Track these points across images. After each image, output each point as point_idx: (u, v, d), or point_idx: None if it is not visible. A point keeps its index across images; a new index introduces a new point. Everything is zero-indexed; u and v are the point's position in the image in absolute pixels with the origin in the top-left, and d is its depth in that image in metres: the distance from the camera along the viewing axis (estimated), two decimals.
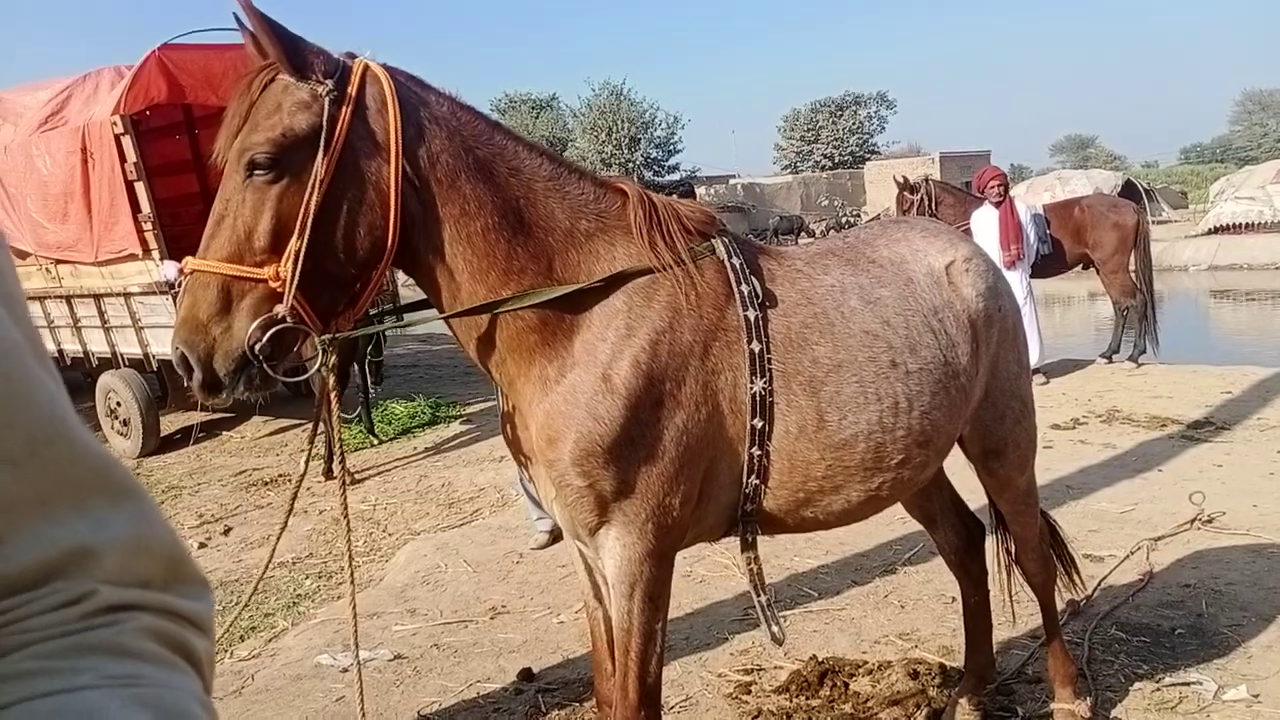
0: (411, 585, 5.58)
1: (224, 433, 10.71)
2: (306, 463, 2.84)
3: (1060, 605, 3.81)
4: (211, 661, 0.72)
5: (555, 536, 5.86)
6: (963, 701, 3.57)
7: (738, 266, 2.57)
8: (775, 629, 2.74)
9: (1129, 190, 30.92)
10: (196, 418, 10.76)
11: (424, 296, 2.62)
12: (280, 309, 2.17)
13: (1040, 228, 10.50)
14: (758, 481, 2.60)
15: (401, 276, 2.86)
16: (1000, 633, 3.91)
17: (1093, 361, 10.76)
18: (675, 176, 54.94)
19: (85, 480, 0.65)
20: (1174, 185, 48.33)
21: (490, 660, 4.51)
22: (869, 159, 62.87)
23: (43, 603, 0.62)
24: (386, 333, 10.75)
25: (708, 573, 5.26)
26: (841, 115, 71.88)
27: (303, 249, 2.15)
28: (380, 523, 7.06)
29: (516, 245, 2.38)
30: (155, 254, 8.82)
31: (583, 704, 3.97)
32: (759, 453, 2.57)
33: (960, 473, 3.55)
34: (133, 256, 9.00)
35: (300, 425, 10.47)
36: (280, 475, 8.66)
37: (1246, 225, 26.83)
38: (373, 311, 2.79)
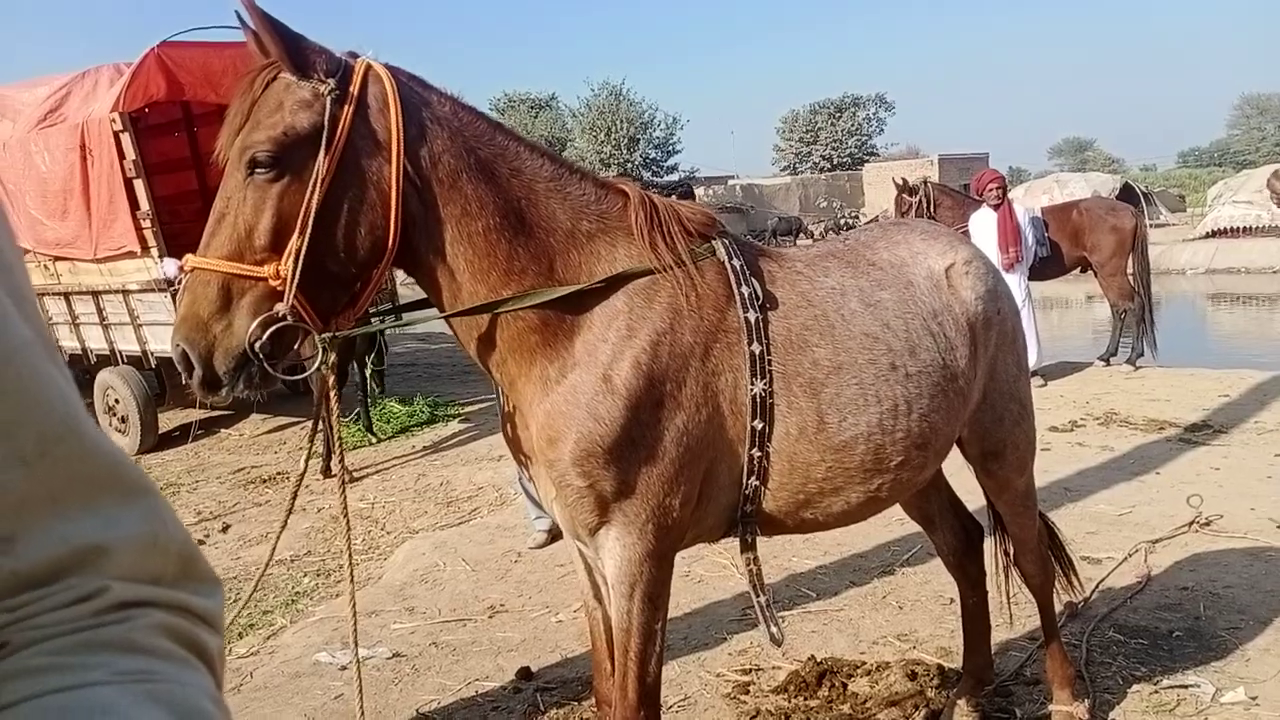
0: (410, 584, 5.59)
1: (222, 430, 10.71)
2: (306, 460, 2.84)
3: (1058, 607, 3.81)
4: (223, 657, 0.73)
5: (554, 536, 5.86)
6: (961, 703, 3.57)
7: (738, 268, 2.58)
8: (774, 630, 2.74)
9: (1127, 193, 30.95)
10: (195, 415, 10.75)
11: (423, 296, 2.62)
12: (281, 307, 2.17)
13: (1038, 230, 10.52)
14: (757, 483, 2.61)
15: (400, 276, 2.86)
16: (998, 634, 3.92)
17: (1090, 364, 10.78)
18: (674, 177, 54.96)
19: (97, 478, 0.65)
20: (1172, 189, 48.39)
21: (489, 659, 4.52)
22: (867, 161, 62.96)
23: (55, 599, 0.62)
24: (386, 336, 10.73)
25: (706, 573, 5.27)
26: (840, 117, 71.97)
27: (304, 247, 2.15)
28: (379, 521, 7.06)
29: (518, 245, 2.38)
30: (154, 251, 8.81)
31: (581, 703, 3.98)
32: (759, 454, 2.57)
33: (959, 474, 3.56)
34: (131, 254, 8.99)
35: (298, 423, 10.47)
36: (278, 473, 8.66)
37: (1244, 229, 26.86)
38: (372, 311, 2.80)
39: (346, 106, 2.20)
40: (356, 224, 2.23)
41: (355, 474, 8.31)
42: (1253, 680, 3.78)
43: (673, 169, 61.26)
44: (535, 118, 64.21)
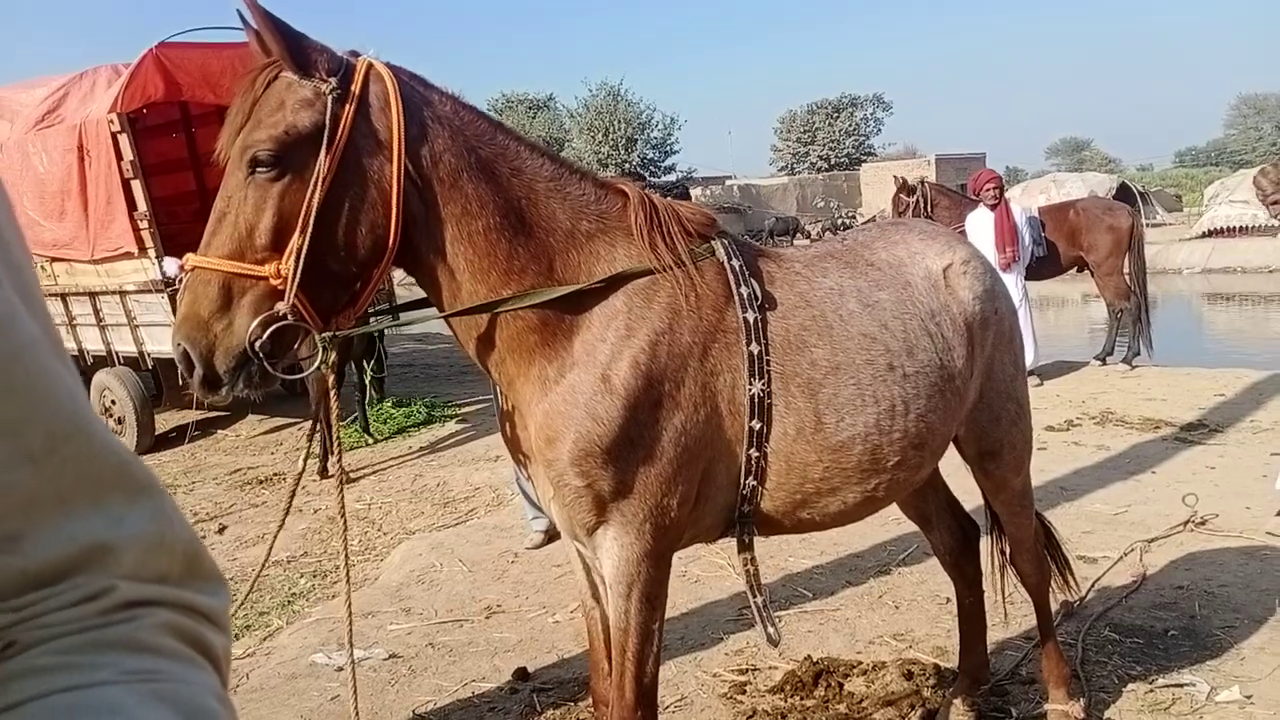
0: (406, 584, 5.59)
1: (219, 431, 10.71)
2: (305, 460, 2.84)
3: (1054, 606, 3.82)
4: (228, 656, 0.73)
5: (550, 536, 5.87)
6: (957, 702, 3.58)
7: (737, 268, 2.58)
8: (771, 630, 2.75)
9: (1124, 193, 30.97)
10: (191, 416, 10.75)
11: (422, 296, 2.63)
12: (281, 306, 2.18)
13: (1035, 230, 10.53)
14: (755, 483, 2.61)
15: (398, 276, 2.87)
16: (994, 633, 3.93)
17: (1087, 364, 10.79)
18: (671, 178, 54.92)
19: (104, 476, 0.66)
20: (1169, 188, 48.41)
21: (485, 659, 4.52)
22: (865, 161, 62.93)
23: (62, 598, 0.62)
24: (385, 341, 10.73)
25: (703, 573, 5.27)
26: (838, 117, 71.99)
27: (304, 246, 2.16)
28: (375, 522, 7.07)
29: (518, 245, 2.39)
30: (151, 252, 8.81)
31: (577, 703, 3.98)
32: (756, 454, 2.58)
33: (955, 474, 3.57)
34: (129, 255, 8.99)
35: (295, 424, 10.47)
36: (275, 474, 8.67)
37: (1240, 229, 26.90)
38: (371, 311, 2.80)
39: (348, 105, 2.21)
40: (357, 223, 2.24)
41: (352, 475, 8.31)
42: (1248, 679, 3.79)
43: (670, 169, 61.24)
44: (533, 118, 64.19)
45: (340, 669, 4.44)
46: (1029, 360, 8.61)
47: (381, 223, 2.26)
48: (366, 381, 9.82)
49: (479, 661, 4.51)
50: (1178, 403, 8.59)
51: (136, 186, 8.69)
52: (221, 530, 7.15)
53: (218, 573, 0.74)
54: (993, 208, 10.06)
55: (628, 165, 55.18)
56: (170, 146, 11.72)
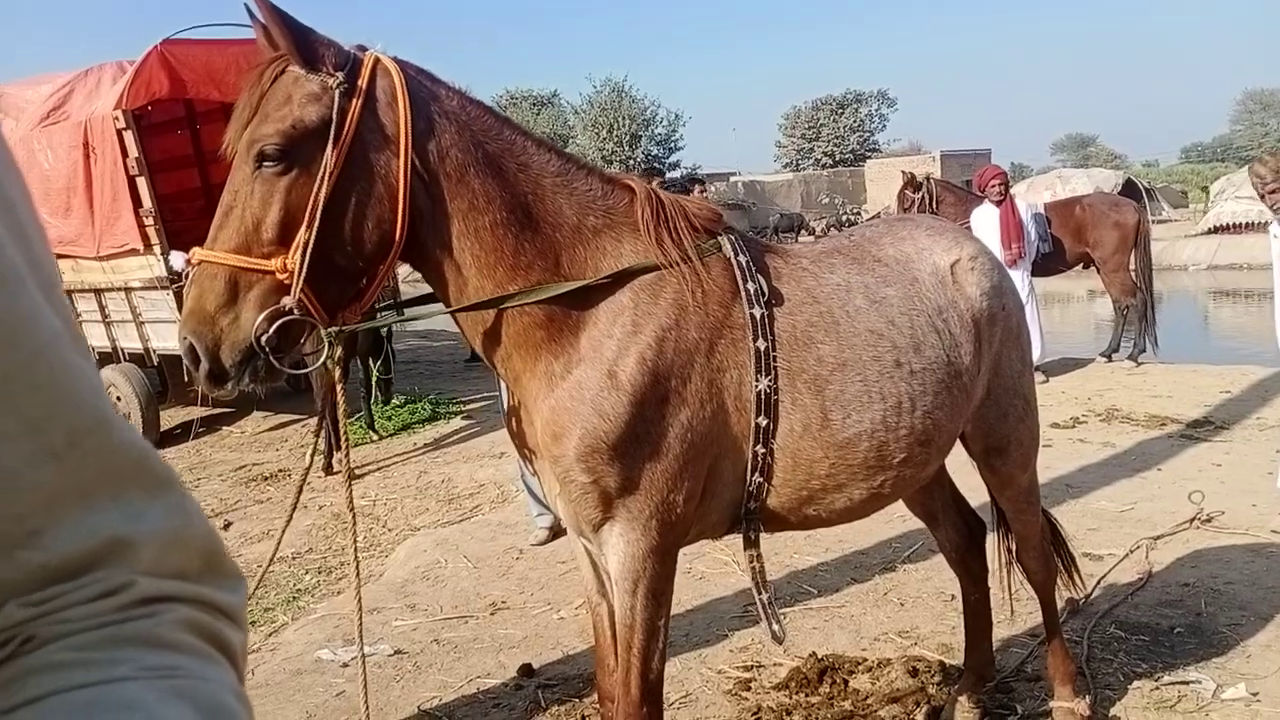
0: (412, 581, 5.60)
1: (224, 428, 10.72)
2: (312, 455, 2.85)
3: (1060, 604, 3.82)
4: (245, 653, 0.73)
5: (555, 533, 5.87)
6: (962, 699, 3.58)
7: (744, 264, 2.58)
8: (776, 627, 2.74)
9: (1129, 189, 30.90)
10: (196, 413, 10.77)
11: (427, 292, 2.62)
12: (288, 301, 2.17)
13: (1041, 226, 10.51)
14: (761, 479, 2.61)
15: (403, 273, 2.87)
16: (999, 630, 3.93)
17: (1092, 360, 10.77)
18: (676, 174, 54.75)
19: (124, 471, 0.65)
20: (1174, 184, 48.28)
21: (490, 656, 4.52)
22: (870, 157, 62.82)
23: (81, 593, 0.62)
24: (392, 341, 10.73)
25: (708, 569, 5.27)
26: (842, 113, 71.85)
27: (311, 241, 2.15)
28: (380, 518, 7.07)
29: (524, 240, 2.39)
30: (156, 249, 8.82)
31: (582, 700, 3.98)
32: (763, 450, 2.57)
33: (961, 470, 3.56)
34: (134, 251, 9.00)
35: (299, 420, 10.48)
36: (280, 470, 8.67)
37: (1246, 225, 26.81)
38: (378, 306, 2.80)
39: (355, 100, 2.20)
40: (364, 217, 2.24)
41: (357, 472, 8.31)
42: (1254, 676, 3.78)
43: (675, 166, 61.13)
44: (537, 115, 64.14)
45: (346, 665, 4.45)
46: (1035, 356, 8.58)
47: (388, 217, 2.25)
48: (373, 378, 9.82)
49: (484, 657, 4.51)
50: (1183, 400, 8.57)
51: (142, 183, 8.70)
52: (226, 527, 7.15)
53: (236, 569, 0.74)
54: (998, 204, 10.04)
55: (632, 162, 55.15)
56: (175, 143, 11.72)
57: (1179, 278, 24.36)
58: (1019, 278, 9.41)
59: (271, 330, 2.17)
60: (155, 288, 9.07)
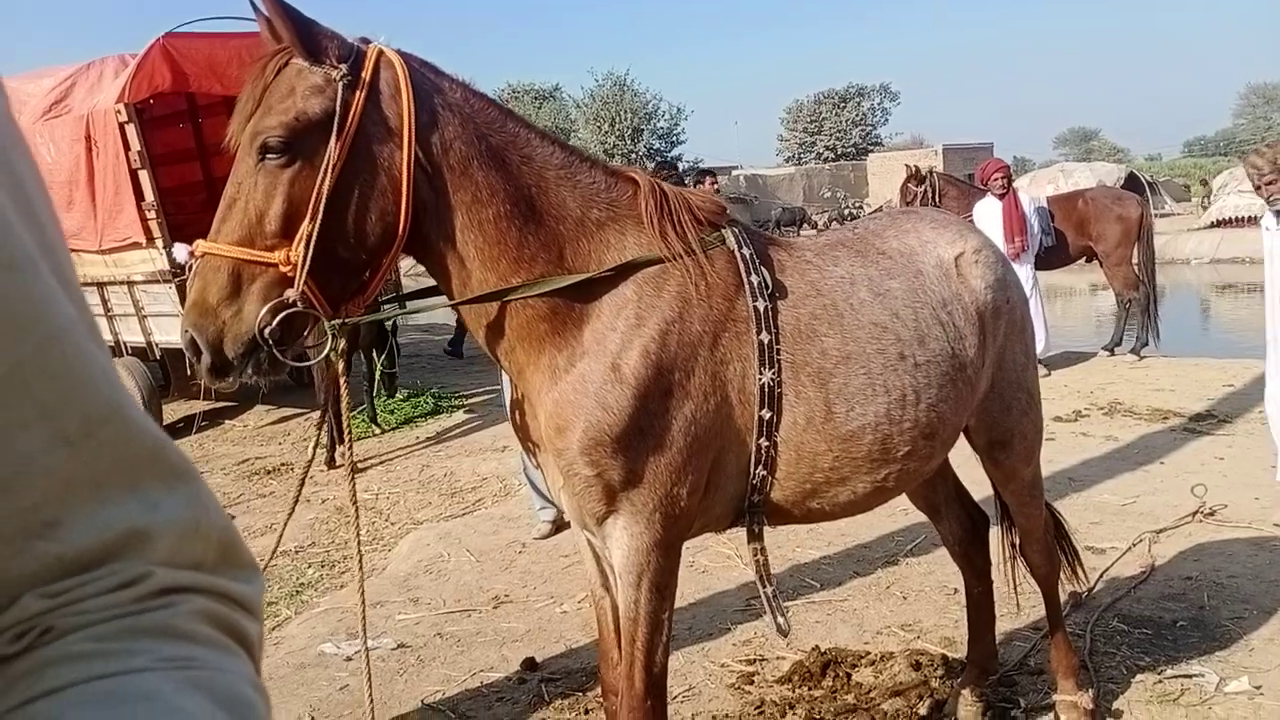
0: (414, 574, 5.60)
1: (226, 421, 10.71)
2: (314, 448, 2.85)
3: (1062, 597, 3.82)
4: (262, 644, 0.72)
5: (558, 526, 5.87)
6: (965, 693, 3.58)
7: (748, 257, 2.57)
8: (781, 620, 2.74)
9: (1132, 183, 30.88)
10: (199, 406, 10.76)
11: (431, 285, 2.62)
12: (291, 293, 2.17)
13: (1044, 220, 10.49)
14: (765, 472, 2.61)
15: (404, 267, 2.87)
16: (1002, 624, 3.93)
17: (1095, 354, 10.76)
18: (682, 168, 54.68)
19: (140, 462, 0.65)
20: (1177, 178, 48.20)
21: (493, 649, 4.53)
22: (872, 151, 62.74)
23: (98, 584, 0.62)
24: (396, 333, 10.73)
25: (710, 563, 5.27)
26: (845, 107, 71.71)
27: (314, 233, 2.15)
28: (383, 512, 7.07)
29: (528, 233, 2.38)
30: (159, 242, 8.81)
31: (585, 693, 3.99)
32: (766, 444, 2.57)
33: (964, 464, 3.56)
34: (136, 245, 8.99)
35: (302, 414, 10.48)
36: (283, 464, 8.68)
37: (1249, 219, 26.75)
38: (381, 299, 2.80)
39: (358, 92, 2.20)
40: (367, 210, 2.23)
41: (359, 465, 8.31)
42: (1257, 670, 3.78)
43: (676, 160, 61.09)
44: (539, 108, 64.02)
45: (349, 659, 4.45)
46: (1040, 350, 8.58)
47: (391, 210, 2.25)
48: (376, 372, 9.82)
49: (487, 651, 4.51)
50: (1186, 393, 8.57)
51: (144, 177, 8.69)
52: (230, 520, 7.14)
53: (251, 560, 0.74)
54: (1001, 197, 10.02)
55: (634, 156, 55.11)
56: (177, 137, 11.71)
57: (1181, 271, 24.34)
58: (1023, 271, 9.39)
59: (274, 323, 2.17)
60: (157, 281, 9.06)
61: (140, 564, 0.64)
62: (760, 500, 2.67)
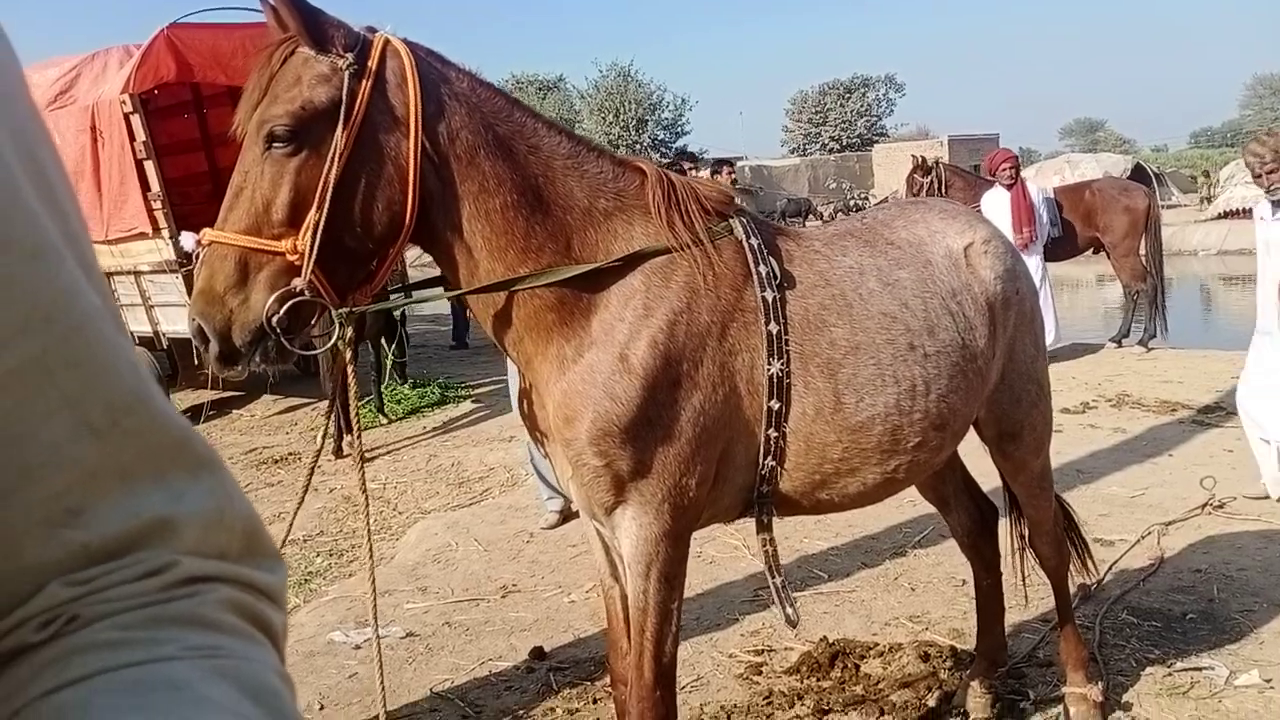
0: (423, 564, 5.61)
1: (234, 411, 10.74)
2: (323, 437, 2.85)
3: (1072, 589, 3.80)
4: (285, 633, 0.72)
5: (565, 516, 5.88)
6: (974, 684, 3.57)
7: (756, 247, 2.56)
8: (790, 611, 2.74)
9: (1139, 174, 30.74)
10: (206, 396, 10.77)
11: (438, 275, 2.61)
12: (298, 282, 2.17)
13: (1051, 211, 10.46)
14: (774, 463, 2.60)
15: (411, 257, 2.86)
16: (1011, 616, 3.91)
17: (1102, 346, 10.73)
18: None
19: (166, 450, 0.65)
20: (1184, 169, 48.00)
21: (502, 638, 4.53)
22: (877, 141, 62.57)
23: (124, 573, 0.61)
24: (406, 323, 10.73)
25: (718, 554, 5.27)
26: (850, 98, 71.56)
27: (321, 222, 2.14)
28: (391, 501, 7.09)
29: (535, 223, 2.37)
30: (165, 232, 8.81)
31: (594, 683, 3.99)
32: (775, 434, 2.56)
33: (973, 455, 3.55)
34: (142, 235, 8.99)
35: (309, 404, 10.49)
36: (290, 453, 8.69)
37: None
38: (389, 289, 2.79)
39: (364, 81, 2.19)
40: (374, 199, 2.22)
41: (367, 455, 8.32)
42: (1267, 663, 3.77)
43: (681, 150, 61.00)
44: (543, 99, 63.97)
45: (358, 647, 4.46)
46: (1049, 342, 8.55)
47: (398, 199, 2.24)
48: (385, 362, 9.82)
49: (495, 640, 4.52)
50: (1194, 385, 8.53)
51: (149, 167, 8.69)
52: None
53: (275, 549, 0.74)
54: (1009, 187, 9.99)
55: (639, 146, 55.06)
56: (182, 127, 11.71)
57: (1189, 263, 24.25)
58: (1032, 263, 9.36)
59: (282, 311, 2.16)
60: (164, 271, 9.07)
61: (166, 553, 0.63)
62: (769, 491, 2.66)
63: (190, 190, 11.11)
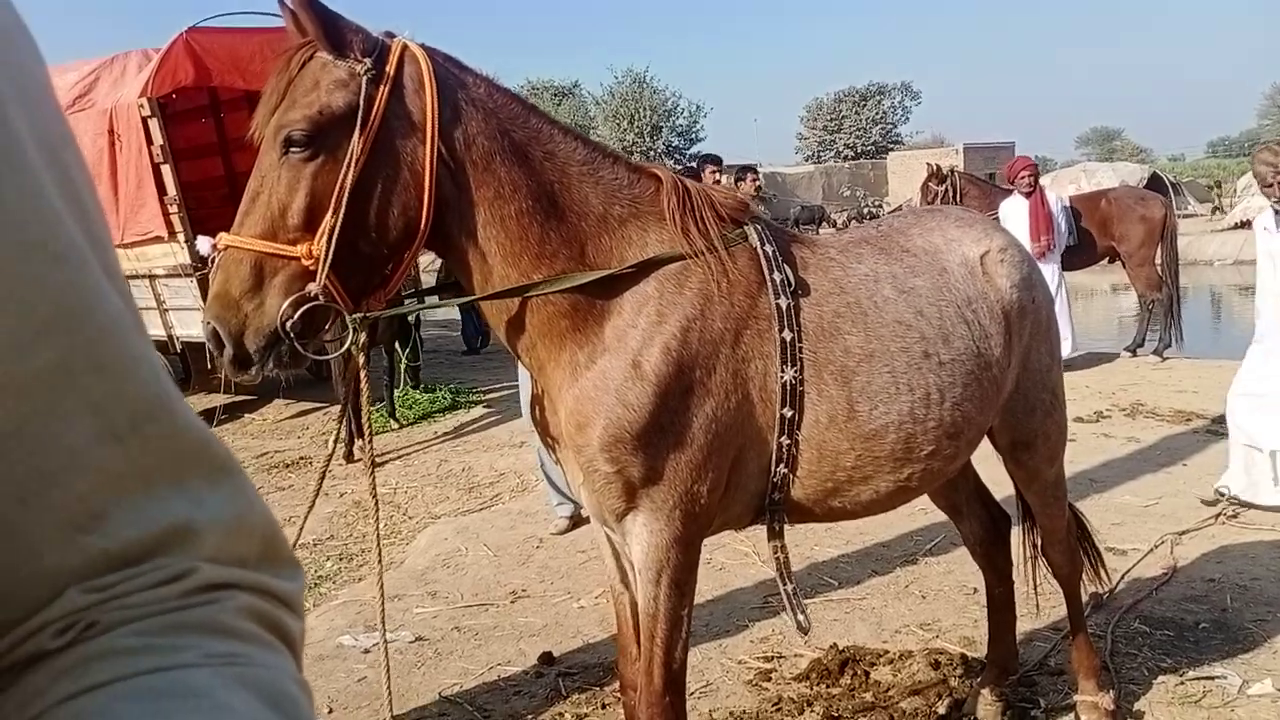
0: (432, 568, 5.62)
1: (246, 415, 10.78)
2: (335, 442, 2.86)
3: (1083, 598, 3.79)
4: (303, 640, 0.72)
5: (575, 522, 5.88)
6: (985, 692, 3.56)
7: (770, 254, 2.56)
8: (801, 617, 2.73)
9: (1155, 183, 30.60)
10: (219, 400, 10.82)
11: (451, 280, 2.62)
12: (313, 287, 2.17)
13: (1069, 219, 10.42)
14: (786, 471, 2.59)
15: (423, 262, 2.87)
16: (1022, 624, 3.90)
17: (1117, 355, 10.67)
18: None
19: (186, 457, 0.65)
20: (1201, 179, 47.75)
21: (511, 644, 4.54)
22: (892, 149, 62.47)
23: (144, 579, 0.61)
24: (420, 327, 10.76)
25: (728, 560, 5.27)
26: (865, 105, 71.46)
27: (337, 227, 2.15)
28: (401, 506, 7.10)
29: (549, 229, 2.38)
30: (181, 236, 8.87)
31: (603, 688, 3.99)
32: (788, 442, 2.56)
33: (985, 463, 3.54)
34: (158, 239, 9.05)
35: (321, 408, 10.52)
36: (301, 458, 8.72)
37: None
38: (403, 294, 2.80)
39: (382, 86, 2.20)
40: (389, 204, 2.23)
41: (378, 460, 8.34)
42: None
43: (695, 157, 60.98)
44: (558, 105, 64.08)
45: (367, 651, 4.47)
46: (1066, 352, 8.52)
47: (414, 205, 2.25)
48: (399, 367, 9.84)
49: (504, 645, 4.52)
50: (1209, 395, 8.47)
51: (166, 171, 8.74)
52: None
53: (293, 557, 0.73)
54: (1028, 195, 9.95)
55: (653, 152, 55.10)
56: (199, 132, 11.78)
57: (1204, 272, 24.12)
58: (1049, 271, 9.33)
59: (296, 316, 2.17)
60: (179, 275, 9.12)
61: (186, 559, 0.63)
62: (781, 498, 2.66)
63: (206, 194, 11.18)
